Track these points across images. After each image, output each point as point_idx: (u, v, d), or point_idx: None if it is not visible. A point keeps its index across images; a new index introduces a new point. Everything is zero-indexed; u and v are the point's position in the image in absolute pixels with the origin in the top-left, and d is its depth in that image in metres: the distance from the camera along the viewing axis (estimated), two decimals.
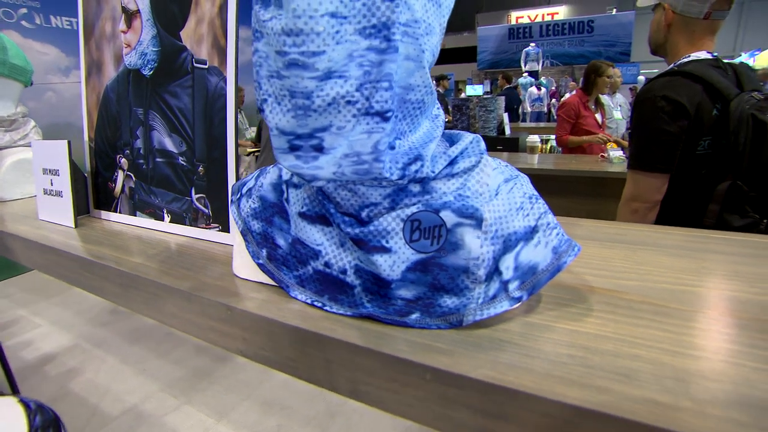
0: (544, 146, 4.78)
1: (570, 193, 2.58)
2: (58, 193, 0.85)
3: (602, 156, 2.86)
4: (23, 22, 3.35)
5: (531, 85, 6.72)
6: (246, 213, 0.51)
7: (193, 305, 0.50)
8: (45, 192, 0.88)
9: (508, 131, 4.14)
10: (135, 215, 0.79)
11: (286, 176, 0.49)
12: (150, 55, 0.71)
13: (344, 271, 0.43)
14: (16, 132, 1.22)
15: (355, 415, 1.45)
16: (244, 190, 0.53)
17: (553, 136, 4.62)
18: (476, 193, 0.41)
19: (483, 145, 0.44)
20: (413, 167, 0.39)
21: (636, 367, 0.33)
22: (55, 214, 0.86)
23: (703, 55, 1.16)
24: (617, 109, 3.93)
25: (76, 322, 2.16)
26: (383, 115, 0.36)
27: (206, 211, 0.67)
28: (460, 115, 4.16)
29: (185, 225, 0.70)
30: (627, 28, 7.49)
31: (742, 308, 0.41)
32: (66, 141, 0.81)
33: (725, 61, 1.18)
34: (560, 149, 3.51)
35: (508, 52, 8.61)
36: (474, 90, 7.47)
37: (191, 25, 0.65)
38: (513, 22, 12.03)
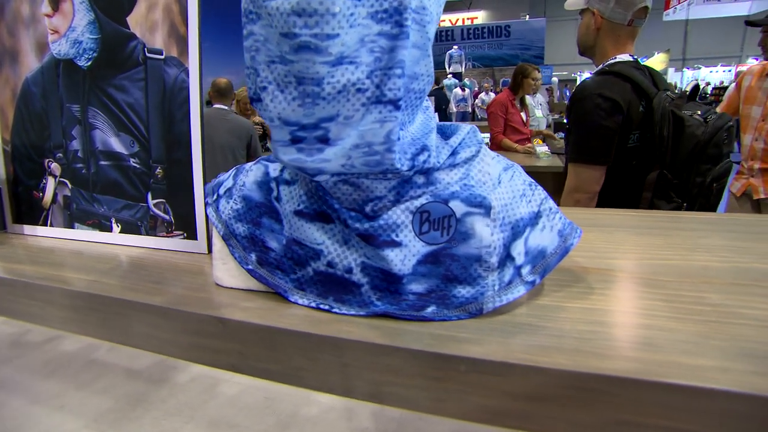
0: None
1: None
2: None
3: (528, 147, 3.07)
4: None
5: (455, 86, 7.02)
6: (227, 215, 0.46)
7: (173, 322, 0.45)
8: None
9: None
10: (73, 227, 0.69)
11: (274, 173, 0.45)
12: (87, 44, 0.62)
13: (350, 270, 0.41)
14: None
15: (308, 425, 1.40)
16: (222, 190, 0.49)
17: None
18: (480, 182, 0.41)
19: (480, 135, 0.44)
20: (421, 158, 0.38)
21: (651, 335, 0.35)
22: None
23: (626, 57, 1.30)
24: (538, 107, 4.24)
25: None
26: (396, 104, 0.34)
27: (167, 217, 0.60)
28: None
29: (141, 234, 0.63)
30: (539, 33, 8.11)
31: (715, 275, 0.45)
32: None
33: None
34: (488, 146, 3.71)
35: (433, 54, 8.89)
36: None
37: (141, 11, 0.58)
38: None
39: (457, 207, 0.39)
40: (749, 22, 2.02)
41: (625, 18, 1.27)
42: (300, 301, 0.43)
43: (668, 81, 1.32)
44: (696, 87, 1.34)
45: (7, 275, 0.58)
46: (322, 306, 0.42)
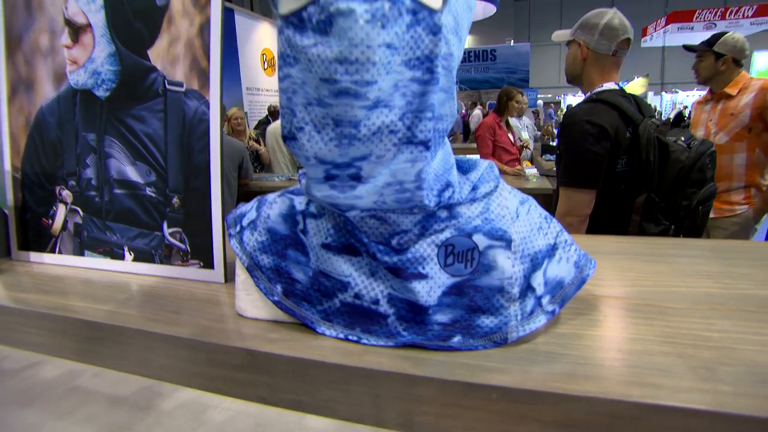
0: None
1: None
2: None
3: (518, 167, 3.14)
4: None
5: None
6: (252, 247, 0.47)
7: (199, 354, 0.45)
8: None
9: None
10: (83, 255, 0.69)
11: (300, 207, 0.46)
12: (106, 75, 0.64)
13: (376, 301, 0.42)
14: None
15: None
16: (245, 222, 0.50)
17: (469, 156, 4.95)
18: (499, 216, 0.43)
19: (497, 170, 0.47)
20: (446, 194, 0.40)
21: (670, 362, 0.37)
22: None
23: (612, 85, 1.36)
24: (524, 130, 4.34)
25: None
26: (426, 144, 0.36)
27: (183, 246, 0.61)
28: None
29: (155, 263, 0.63)
30: (524, 57, 8.39)
31: (720, 302, 0.48)
32: None
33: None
34: None
35: None
36: None
37: (163, 45, 0.60)
38: None
39: (480, 240, 0.41)
40: (687, 46, 2.16)
41: (610, 49, 1.34)
42: (327, 333, 0.44)
43: (648, 103, 1.38)
44: (680, 115, 1.40)
45: (16, 304, 0.58)
46: (350, 337, 0.43)
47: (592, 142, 1.23)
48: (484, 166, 0.47)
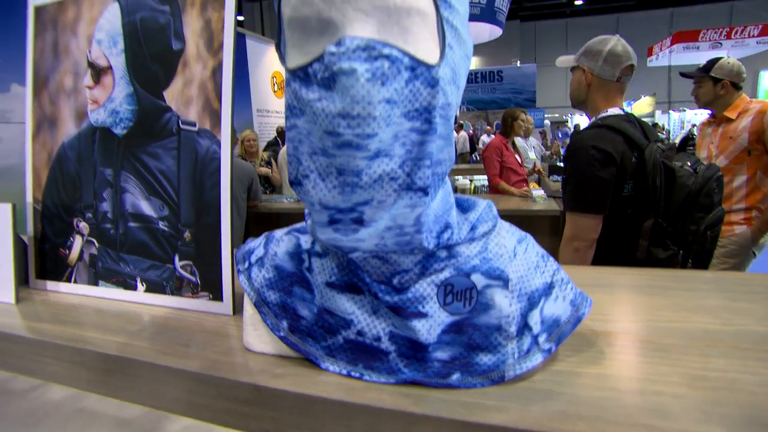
0: (470, 186, 5.13)
1: None
2: None
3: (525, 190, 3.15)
4: None
5: None
6: (260, 284, 0.49)
7: (208, 387, 0.47)
8: None
9: None
10: (97, 285, 0.72)
11: (306, 245, 0.48)
12: (123, 114, 0.67)
13: (378, 339, 0.43)
14: None
15: None
16: (253, 258, 0.52)
17: (477, 177, 4.98)
18: (497, 255, 0.45)
19: (495, 209, 0.49)
20: (445, 235, 0.42)
21: (664, 402, 0.37)
22: None
23: (617, 111, 1.38)
24: (531, 150, 4.37)
25: None
26: (425, 190, 0.38)
27: (193, 279, 0.63)
28: None
29: (166, 294, 0.65)
30: (531, 78, 8.50)
31: (718, 338, 0.48)
32: (10, 204, 0.72)
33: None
34: (486, 189, 3.82)
35: None
36: None
37: (178, 86, 0.63)
38: None
39: (478, 280, 0.43)
40: (683, 73, 2.20)
41: (614, 75, 1.37)
42: (331, 368, 0.45)
43: (656, 122, 1.39)
44: (686, 139, 1.42)
45: (33, 335, 0.60)
46: (353, 373, 0.44)
47: (598, 168, 1.25)
48: (483, 206, 0.48)
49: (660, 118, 11.40)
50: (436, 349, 0.42)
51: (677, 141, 1.38)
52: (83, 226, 0.72)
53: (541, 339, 0.43)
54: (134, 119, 0.66)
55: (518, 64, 9.62)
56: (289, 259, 0.49)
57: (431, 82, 0.37)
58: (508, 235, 0.47)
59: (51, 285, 0.77)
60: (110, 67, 0.68)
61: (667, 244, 1.20)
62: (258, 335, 0.50)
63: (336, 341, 0.45)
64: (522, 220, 2.75)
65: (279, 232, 0.53)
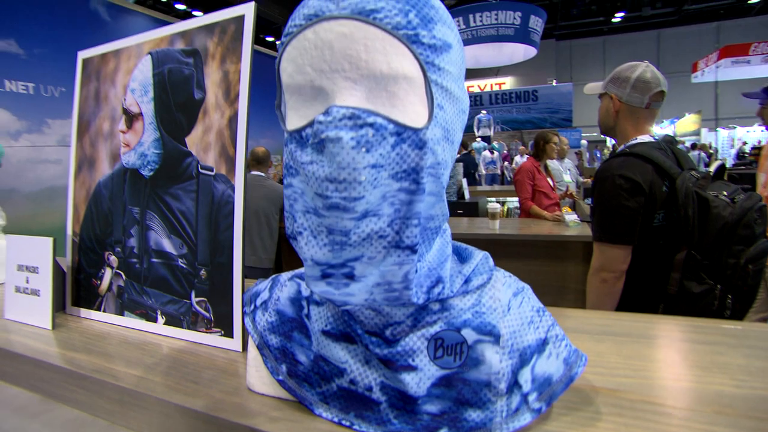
0: (502, 208, 5.05)
1: (532, 256, 2.71)
2: (35, 292, 0.81)
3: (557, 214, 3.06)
4: None
5: (484, 149, 7.19)
6: (262, 327, 0.51)
7: (209, 426, 0.49)
8: (17, 290, 0.83)
9: (467, 196, 4.36)
10: (122, 315, 0.76)
11: (305, 292, 0.50)
12: (151, 157, 0.73)
13: (370, 389, 0.44)
14: None
15: None
16: (258, 302, 0.54)
17: (509, 199, 4.90)
18: (490, 309, 0.45)
19: (491, 261, 0.49)
20: (436, 290, 0.43)
21: None
22: (27, 315, 0.82)
23: (647, 138, 1.35)
24: (566, 172, 4.26)
25: None
26: (413, 248, 0.39)
27: (207, 315, 0.66)
28: None
29: (183, 328, 0.69)
30: (567, 97, 8.35)
31: (729, 403, 0.46)
32: (51, 239, 0.79)
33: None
34: (518, 212, 3.75)
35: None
36: None
37: (198, 133, 0.68)
38: None
39: (469, 335, 0.43)
40: (746, 94, 2.09)
41: (643, 102, 1.33)
42: (324, 415, 0.46)
43: (702, 141, 1.33)
44: (722, 167, 1.36)
45: (64, 364, 0.65)
46: (344, 422, 0.45)
47: (625, 197, 1.21)
48: (479, 258, 0.49)
49: (707, 137, 10.85)
50: (425, 402, 0.43)
51: (712, 169, 1.30)
52: (113, 259, 0.78)
53: (531, 398, 0.42)
54: (160, 162, 0.71)
55: (554, 84, 9.49)
56: (290, 305, 0.51)
57: (419, 144, 0.38)
58: (504, 287, 0.47)
59: (84, 312, 0.83)
60: (141, 114, 0.74)
61: (702, 277, 1.14)
62: (260, 377, 0.52)
63: (330, 388, 0.46)
64: (554, 245, 2.69)
65: (284, 276, 0.55)
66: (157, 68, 0.72)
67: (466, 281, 0.46)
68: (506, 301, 0.46)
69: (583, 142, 7.38)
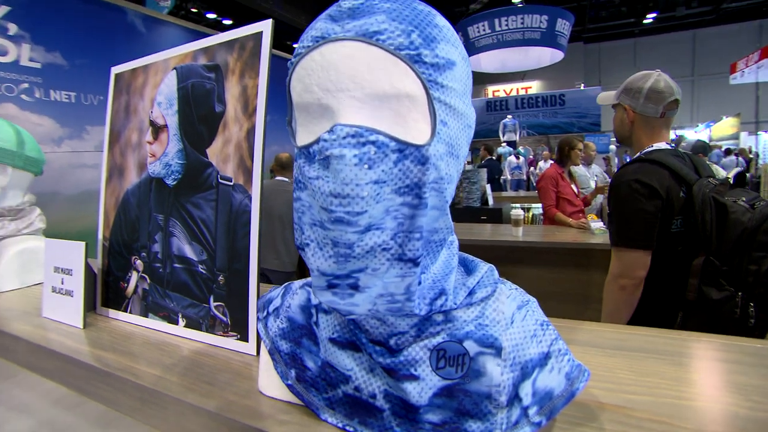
0: (526, 215, 4.97)
1: (556, 264, 2.66)
2: (69, 293, 0.86)
3: (583, 222, 2.99)
4: (23, 96, 3.50)
5: (510, 154, 7.10)
6: (274, 333, 0.53)
7: (221, 426, 0.51)
8: (54, 290, 0.89)
9: (491, 201, 4.31)
10: (147, 317, 0.80)
11: (315, 300, 0.52)
12: (174, 167, 0.76)
13: (374, 396, 0.45)
14: (21, 221, 1.24)
15: None
16: (271, 308, 0.56)
17: (534, 205, 4.82)
18: (494, 321, 0.45)
19: (496, 273, 0.49)
20: (439, 302, 0.44)
21: None
22: (62, 313, 0.87)
23: (663, 145, 1.34)
24: (593, 179, 4.16)
25: (38, 407, 1.99)
26: (415, 261, 0.40)
27: (224, 319, 0.69)
28: None
29: (201, 331, 0.72)
30: (595, 101, 8.13)
31: (742, 426, 0.44)
32: (84, 243, 0.83)
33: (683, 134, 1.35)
34: (542, 218, 3.68)
35: (487, 123, 9.18)
36: None
37: (218, 145, 0.71)
38: (489, 95, 12.94)
39: (471, 347, 0.44)
40: None
41: (657, 112, 1.33)
42: (329, 420, 0.48)
43: (741, 146, 1.29)
44: (742, 174, 1.31)
45: (92, 362, 0.69)
46: (347, 428, 0.46)
47: (642, 201, 1.21)
48: (484, 270, 0.49)
49: (746, 141, 10.36)
50: (427, 411, 0.43)
51: (731, 176, 1.27)
52: (139, 263, 0.82)
53: (532, 411, 0.42)
54: (182, 172, 0.75)
55: (582, 87, 9.28)
56: (301, 312, 0.52)
57: (421, 160, 0.40)
58: (508, 300, 0.48)
59: (112, 313, 0.88)
60: (166, 126, 0.78)
61: (722, 284, 1.12)
62: (271, 381, 0.54)
63: (336, 394, 0.48)
64: (578, 253, 2.63)
65: (296, 284, 0.57)
66: (182, 82, 0.76)
67: (470, 293, 0.46)
68: (510, 314, 0.46)
69: (612, 147, 7.17)
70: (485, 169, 4.63)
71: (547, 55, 7.77)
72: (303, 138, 0.43)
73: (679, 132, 10.95)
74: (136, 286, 0.82)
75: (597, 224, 2.87)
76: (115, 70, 0.90)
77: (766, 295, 1.08)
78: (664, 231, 1.22)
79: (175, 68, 0.78)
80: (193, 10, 9.57)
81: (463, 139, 0.45)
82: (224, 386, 0.58)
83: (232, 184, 0.69)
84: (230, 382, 0.59)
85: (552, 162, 3.63)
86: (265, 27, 0.66)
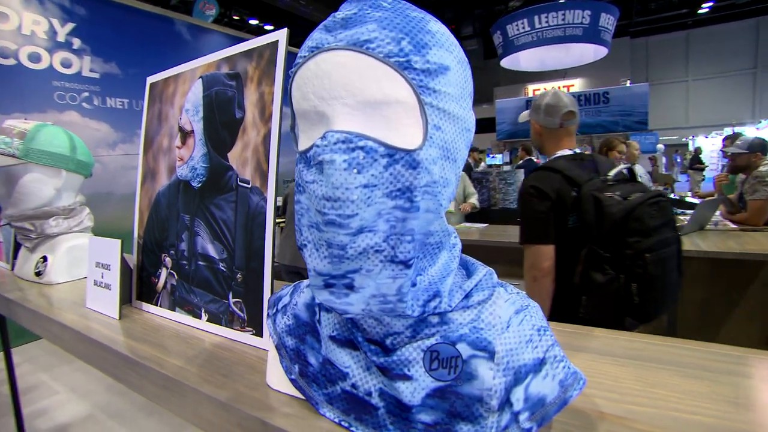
0: None
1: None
2: (107, 286, 0.93)
3: None
4: (84, 104, 3.79)
5: None
6: (281, 329, 0.56)
7: (231, 415, 0.54)
8: (95, 283, 0.96)
9: None
10: (174, 310, 0.85)
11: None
12: (199, 170, 0.81)
13: (369, 393, 0.47)
14: (73, 219, 1.35)
15: None
16: (280, 305, 0.59)
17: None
18: (489, 325, 0.45)
19: (495, 277, 0.49)
20: (432, 304, 0.44)
21: None
22: (102, 305, 0.94)
23: (567, 152, 1.54)
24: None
25: (93, 390, 2.16)
26: (406, 264, 0.41)
27: (242, 315, 0.73)
28: (481, 188, 4.26)
29: (221, 325, 0.76)
30: (642, 98, 7.72)
31: None
32: (119, 240, 0.90)
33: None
34: None
35: (526, 123, 8.89)
36: (494, 160, 7.68)
37: (238, 149, 0.75)
38: (530, 94, 12.59)
39: (464, 349, 0.44)
40: None
41: (555, 123, 1.55)
42: (327, 415, 0.49)
43: (612, 162, 1.57)
44: (630, 170, 1.46)
45: (123, 350, 0.74)
46: (343, 423, 0.48)
47: (536, 203, 1.43)
48: (482, 274, 0.49)
49: None
50: (420, 411, 0.44)
51: (611, 174, 1.41)
52: (168, 260, 0.87)
53: (522, 417, 0.42)
54: (206, 175, 0.79)
55: (628, 84, 8.82)
56: (306, 310, 0.55)
57: (412, 164, 0.41)
58: (506, 304, 0.48)
59: (145, 306, 0.94)
60: (193, 131, 0.83)
61: (605, 268, 1.28)
62: (277, 375, 0.56)
63: (335, 390, 0.49)
64: None
65: (304, 283, 0.59)
66: (207, 90, 0.80)
67: (467, 296, 0.47)
68: (506, 318, 0.46)
69: (660, 146, 6.78)
70: (522, 171, 4.52)
71: (589, 52, 7.46)
72: (303, 143, 0.45)
73: (738, 129, 10.19)
74: (166, 282, 0.88)
75: None
76: (150, 79, 0.96)
77: (644, 275, 1.22)
78: (561, 227, 1.40)
79: (201, 77, 0.82)
80: (235, 17, 9.94)
81: (460, 142, 0.46)
82: (237, 378, 0.61)
83: (249, 186, 0.72)
84: (243, 374, 0.62)
85: None
86: (280, 36, 0.69)
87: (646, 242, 1.24)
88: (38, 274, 1.26)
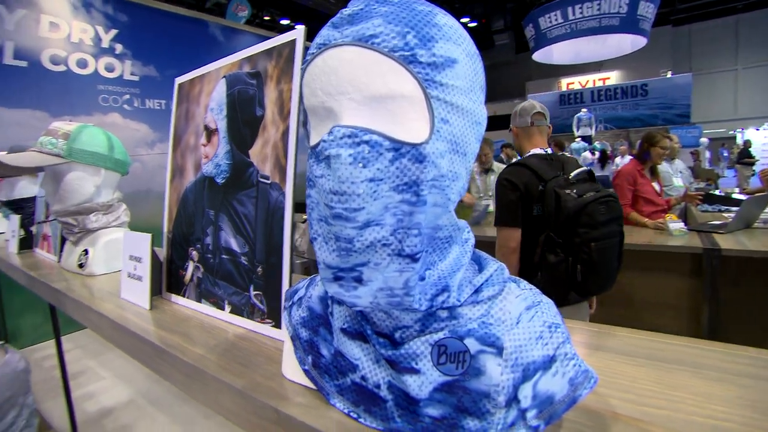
0: None
1: (627, 267, 2.47)
2: (139, 278, 0.97)
3: (660, 223, 2.75)
4: (125, 106, 3.99)
5: (584, 150, 6.66)
6: (296, 321, 0.57)
7: (247, 403, 0.56)
8: (129, 275, 1.01)
9: None
10: (200, 302, 0.89)
11: None
12: (223, 167, 0.84)
13: (378, 386, 0.47)
14: (111, 215, 1.42)
15: None
16: (296, 298, 0.60)
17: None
18: (499, 320, 0.45)
19: (507, 272, 0.49)
20: (440, 298, 0.44)
21: None
22: (135, 295, 0.99)
23: (539, 151, 1.80)
24: (677, 175, 3.80)
25: (136, 377, 2.29)
26: (413, 257, 0.41)
27: (262, 307, 0.75)
28: None
29: (243, 317, 0.78)
30: (685, 90, 7.32)
31: None
32: (150, 235, 0.94)
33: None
34: None
35: (560, 117, 8.66)
36: None
37: (258, 146, 0.77)
38: (564, 88, 12.21)
39: (472, 344, 0.44)
40: None
41: (527, 122, 1.85)
42: (338, 405, 0.50)
43: (575, 161, 1.80)
44: (590, 172, 1.70)
45: (155, 340, 0.78)
46: (352, 414, 0.49)
47: (508, 193, 1.70)
48: (493, 269, 0.49)
49: None
50: (427, 405, 0.45)
51: (572, 175, 1.64)
52: (194, 254, 0.91)
53: (530, 414, 0.42)
54: (230, 172, 0.82)
55: (669, 75, 8.38)
56: (319, 302, 0.56)
57: (418, 158, 0.41)
58: (517, 300, 0.47)
59: (174, 297, 0.98)
60: (217, 129, 0.85)
61: (558, 252, 1.57)
62: (292, 366, 0.58)
63: (345, 382, 0.50)
64: (652, 256, 2.42)
65: (318, 277, 0.60)
66: (230, 89, 0.83)
67: (477, 291, 0.47)
68: (517, 314, 0.46)
69: (703, 140, 6.40)
70: None
71: (627, 42, 7.14)
72: (313, 139, 0.46)
73: None
74: (192, 274, 0.91)
75: (676, 225, 2.62)
76: (178, 80, 1.00)
77: (589, 260, 1.50)
78: (527, 215, 1.67)
79: (224, 76, 0.85)
80: (267, 18, 10.14)
81: (470, 135, 0.45)
82: (255, 368, 0.63)
83: (269, 182, 0.74)
84: (260, 364, 0.64)
85: (631, 158, 3.36)
86: (298, 35, 0.70)
87: (593, 233, 1.51)
88: (81, 266, 1.33)
